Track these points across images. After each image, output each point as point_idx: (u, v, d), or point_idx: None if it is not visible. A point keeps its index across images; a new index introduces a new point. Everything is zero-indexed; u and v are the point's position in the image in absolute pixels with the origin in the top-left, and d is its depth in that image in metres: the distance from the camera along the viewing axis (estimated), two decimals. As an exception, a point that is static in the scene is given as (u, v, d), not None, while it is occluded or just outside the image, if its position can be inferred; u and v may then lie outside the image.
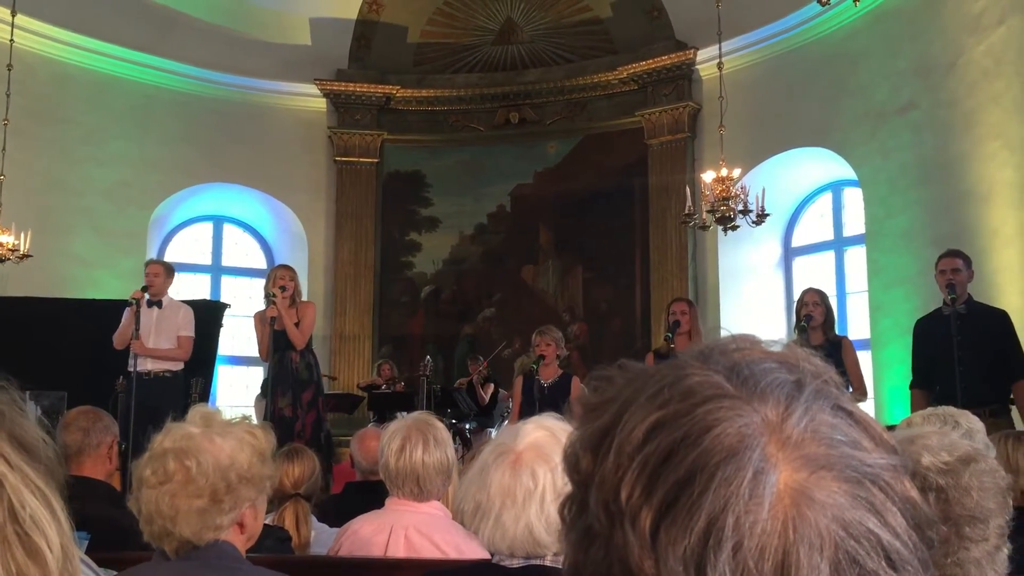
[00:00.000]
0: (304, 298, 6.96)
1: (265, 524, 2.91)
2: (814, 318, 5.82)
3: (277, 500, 3.20)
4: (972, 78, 7.63)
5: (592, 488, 0.57)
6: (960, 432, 2.25)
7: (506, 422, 8.36)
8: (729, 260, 9.95)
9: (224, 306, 8.76)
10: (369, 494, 3.26)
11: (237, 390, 10.66)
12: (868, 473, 0.54)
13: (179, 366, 6.72)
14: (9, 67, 8.29)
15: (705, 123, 10.09)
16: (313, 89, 11.04)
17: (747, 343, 0.61)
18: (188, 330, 6.71)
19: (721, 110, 8.40)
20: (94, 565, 2.22)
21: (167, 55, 10.27)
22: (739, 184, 7.95)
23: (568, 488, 0.61)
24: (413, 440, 2.61)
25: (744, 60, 9.72)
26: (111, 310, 6.97)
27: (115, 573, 2.12)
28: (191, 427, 1.83)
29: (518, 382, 6.66)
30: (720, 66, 8.55)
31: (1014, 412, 5.52)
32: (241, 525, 1.85)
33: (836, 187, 9.82)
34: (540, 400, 5.96)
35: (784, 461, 0.53)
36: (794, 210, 10.19)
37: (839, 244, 9.78)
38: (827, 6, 7.57)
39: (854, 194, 9.41)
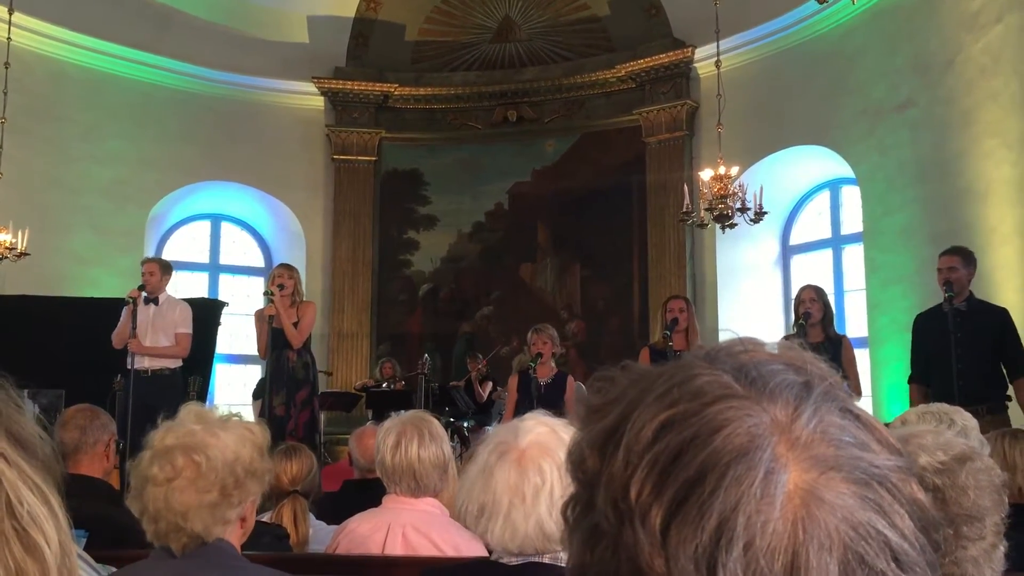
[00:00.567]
0: (305, 298, 6.94)
1: (263, 522, 2.92)
2: (812, 315, 5.82)
3: (275, 498, 3.21)
4: (970, 76, 7.63)
5: (599, 487, 0.57)
6: (955, 430, 2.26)
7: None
8: (727, 258, 9.96)
9: (222, 304, 8.76)
10: (367, 492, 3.26)
11: (235, 388, 10.66)
12: (876, 475, 0.55)
13: (177, 363, 6.72)
14: (6, 65, 8.28)
15: (703, 121, 10.09)
16: (311, 87, 11.04)
17: (753, 345, 0.61)
18: (186, 327, 6.70)
19: (719, 108, 8.39)
20: (93, 562, 2.22)
21: (165, 53, 10.27)
22: (737, 182, 7.95)
23: (571, 488, 0.61)
24: (408, 436, 2.62)
25: (742, 58, 9.72)
26: (109, 308, 6.96)
27: (113, 570, 2.12)
28: (191, 424, 1.83)
29: (513, 379, 6.66)
30: (718, 64, 8.55)
31: (1012, 409, 5.53)
32: (243, 519, 1.87)
33: (834, 185, 9.82)
34: (537, 399, 5.96)
35: (794, 461, 0.54)
36: (792, 208, 10.20)
37: (837, 242, 9.78)
38: (825, 4, 7.58)
39: (852, 192, 9.41)
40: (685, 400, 0.56)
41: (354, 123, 11.19)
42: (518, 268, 11.11)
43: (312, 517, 3.31)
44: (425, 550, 2.60)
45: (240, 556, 1.87)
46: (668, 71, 10.38)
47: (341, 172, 11.16)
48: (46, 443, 0.79)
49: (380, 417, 7.99)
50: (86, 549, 2.32)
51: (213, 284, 11.09)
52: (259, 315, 6.64)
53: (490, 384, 9.50)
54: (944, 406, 2.51)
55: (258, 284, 10.92)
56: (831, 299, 6.34)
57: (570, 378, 6.43)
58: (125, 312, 6.55)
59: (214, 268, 11.24)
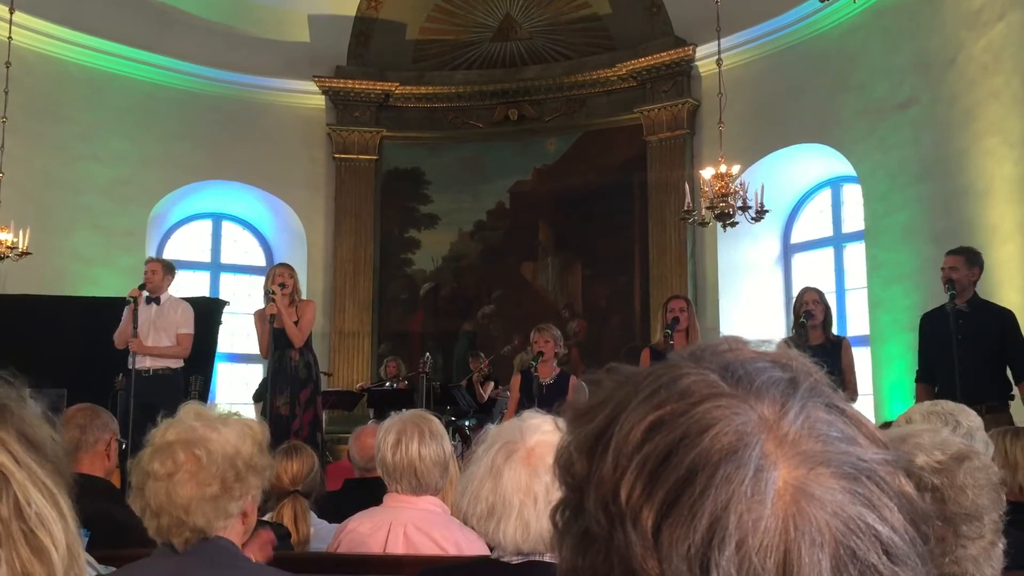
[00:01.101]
0: (304, 296, 6.95)
1: (264, 521, 2.92)
2: (814, 316, 5.83)
3: (276, 497, 3.21)
4: (971, 74, 7.63)
5: (589, 490, 0.57)
6: (961, 432, 2.25)
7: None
8: (728, 257, 9.95)
9: (223, 303, 8.76)
10: (368, 491, 3.26)
11: (236, 387, 10.66)
12: (864, 469, 0.55)
13: (179, 363, 6.72)
14: (7, 64, 8.29)
15: (704, 120, 10.09)
16: (312, 86, 11.04)
17: (738, 344, 0.61)
18: (187, 328, 6.70)
19: (720, 106, 8.39)
20: (94, 562, 2.22)
21: (166, 52, 10.27)
22: (738, 180, 7.94)
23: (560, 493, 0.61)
24: (408, 434, 2.62)
25: (743, 56, 9.72)
26: (110, 308, 6.97)
27: (114, 569, 2.12)
28: (191, 421, 1.84)
29: (516, 379, 6.66)
30: (719, 62, 8.55)
31: (1013, 408, 5.53)
32: (245, 515, 1.87)
33: (835, 183, 9.82)
34: (539, 398, 5.96)
35: (782, 458, 0.54)
36: (793, 206, 10.19)
37: (838, 240, 9.77)
38: (826, 2, 7.58)
39: (853, 190, 9.41)
40: (673, 400, 0.56)
41: (355, 122, 11.19)
42: (519, 267, 11.11)
43: (313, 516, 3.31)
44: (426, 549, 2.60)
45: (242, 555, 1.88)
46: (669, 69, 10.37)
47: (342, 171, 11.16)
48: (57, 444, 0.79)
49: (381, 416, 8.01)
50: (88, 548, 2.33)
51: (214, 283, 11.09)
52: (259, 315, 6.63)
53: (491, 384, 9.49)
54: (950, 405, 2.50)
55: (259, 283, 10.89)
56: (832, 299, 6.36)
57: (573, 378, 6.41)
58: (127, 312, 6.56)
59: (215, 267, 11.24)
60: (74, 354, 7.04)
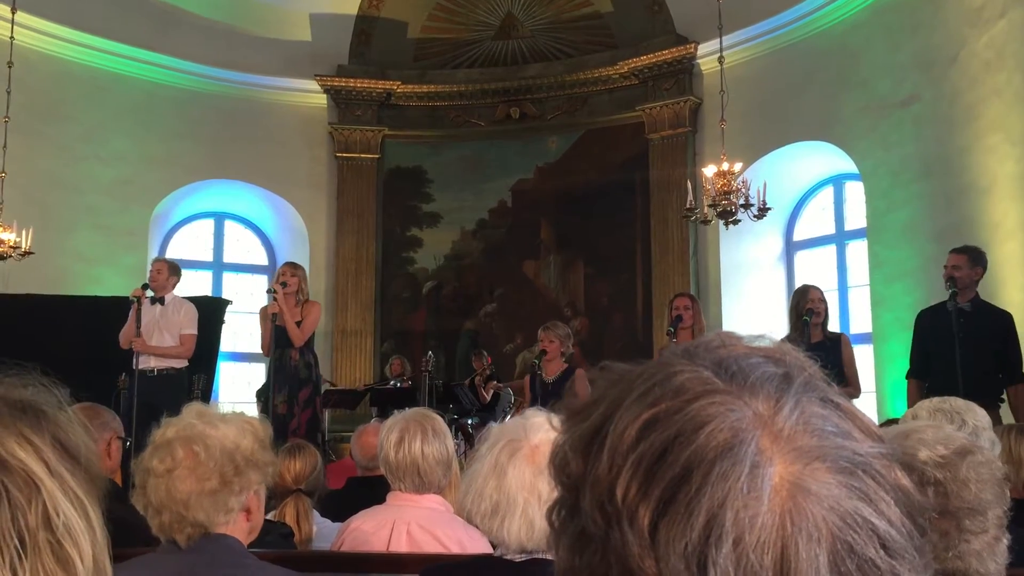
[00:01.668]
0: (310, 297, 6.94)
1: (267, 520, 2.92)
2: (818, 314, 5.83)
3: (279, 495, 3.21)
4: (974, 71, 7.61)
5: (585, 490, 0.57)
6: (967, 430, 2.25)
7: (508, 417, 8.36)
8: (731, 254, 9.95)
9: (226, 303, 8.76)
10: (370, 489, 3.26)
11: (239, 386, 10.67)
12: (860, 463, 0.54)
13: (183, 363, 6.73)
14: (9, 64, 8.29)
15: (706, 117, 10.08)
16: (314, 85, 11.04)
17: (731, 340, 0.61)
18: (191, 328, 6.71)
19: (722, 104, 8.38)
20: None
21: (168, 52, 10.27)
22: (740, 178, 7.94)
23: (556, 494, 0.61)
24: (411, 432, 2.62)
25: (745, 54, 9.70)
26: (113, 307, 6.97)
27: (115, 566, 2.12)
28: (191, 419, 1.85)
29: (526, 380, 6.69)
30: (721, 60, 8.54)
31: (1003, 411, 5.53)
32: (248, 512, 1.88)
33: (837, 181, 9.81)
34: (542, 396, 5.96)
35: (778, 454, 0.54)
36: (796, 204, 10.19)
37: (841, 238, 9.76)
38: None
39: (856, 188, 9.40)
40: (667, 398, 0.56)
41: (357, 121, 11.19)
42: (521, 265, 11.11)
43: (316, 515, 3.32)
44: (430, 547, 2.60)
45: (247, 553, 1.88)
46: (671, 67, 10.37)
47: (344, 170, 11.16)
48: (92, 452, 0.78)
49: (384, 415, 8.03)
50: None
51: (217, 282, 11.10)
52: (263, 313, 6.66)
53: (494, 382, 9.49)
54: (959, 402, 2.49)
55: (262, 282, 10.93)
56: (835, 296, 6.36)
57: (578, 371, 6.34)
58: (132, 312, 6.57)
59: (218, 266, 11.25)
60: (77, 354, 7.03)
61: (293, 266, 6.83)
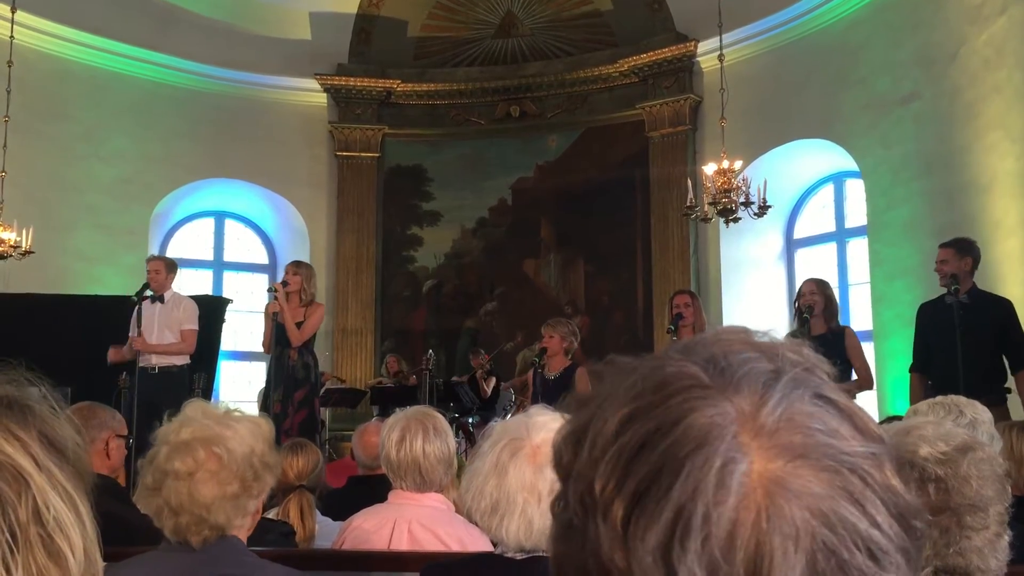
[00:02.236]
0: (317, 298, 6.92)
1: (269, 518, 2.92)
2: (813, 308, 5.82)
3: (281, 492, 3.21)
4: (974, 68, 7.61)
5: (570, 482, 0.57)
6: (965, 422, 2.25)
7: (509, 415, 8.36)
8: (731, 252, 9.95)
9: (226, 301, 8.77)
10: (372, 488, 3.26)
11: (240, 385, 10.68)
12: (847, 462, 0.53)
13: (184, 360, 6.73)
14: (9, 64, 8.30)
15: (706, 115, 10.08)
16: (314, 84, 11.04)
17: (732, 334, 0.60)
18: (191, 323, 6.71)
19: (722, 102, 8.38)
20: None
21: (167, 51, 10.27)
22: (741, 176, 7.94)
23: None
24: (413, 431, 2.62)
25: (745, 52, 9.70)
26: (113, 306, 6.98)
27: (116, 564, 2.12)
28: (202, 418, 1.84)
29: (529, 375, 6.68)
30: (721, 58, 8.54)
31: (1010, 402, 5.52)
32: (255, 512, 1.90)
33: (838, 178, 9.81)
34: (544, 393, 5.95)
35: (757, 450, 0.52)
36: (796, 202, 10.19)
37: (841, 236, 9.77)
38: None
39: (856, 185, 9.40)
40: (649, 392, 0.56)
41: (357, 119, 11.19)
42: (522, 264, 11.11)
43: (318, 513, 3.32)
44: (431, 545, 2.60)
45: (248, 551, 1.88)
46: (671, 65, 10.36)
47: (344, 168, 11.16)
48: (80, 447, 0.79)
49: (385, 413, 8.04)
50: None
51: (217, 281, 11.10)
52: (266, 310, 6.68)
53: (494, 379, 9.50)
54: (961, 399, 2.49)
55: (262, 281, 10.94)
56: (835, 293, 6.34)
57: (580, 369, 6.32)
58: (132, 320, 6.57)
59: (218, 265, 11.25)
60: (78, 353, 7.04)
61: (296, 265, 6.82)
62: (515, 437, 1.77)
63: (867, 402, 7.61)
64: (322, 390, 7.92)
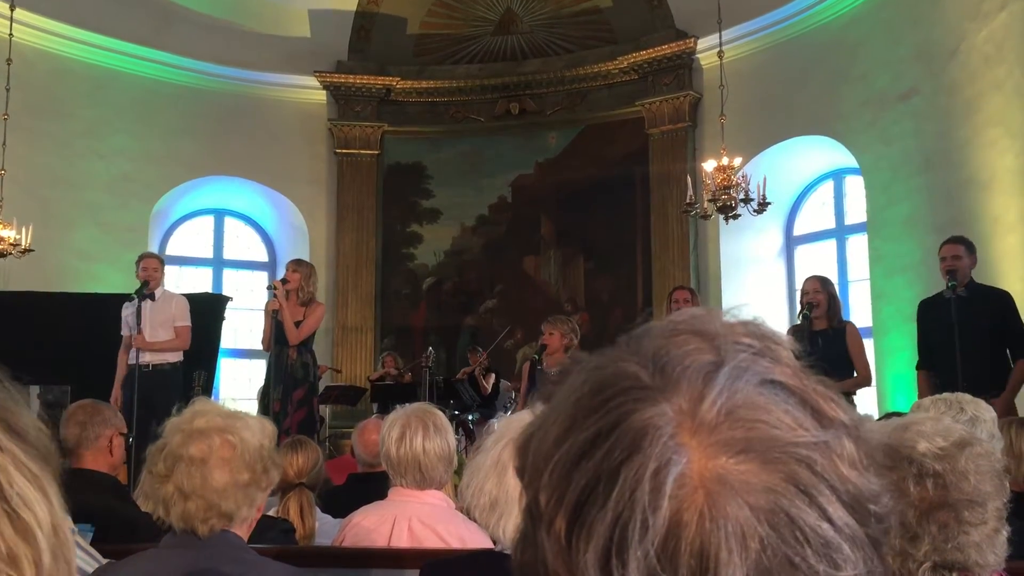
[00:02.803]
0: (317, 296, 6.91)
1: (269, 516, 2.92)
2: (816, 306, 5.82)
3: (281, 490, 3.21)
4: (973, 65, 7.61)
5: (523, 490, 0.56)
6: (964, 419, 2.25)
7: (509, 412, 8.36)
8: (731, 249, 9.95)
9: (226, 299, 8.76)
10: (372, 485, 3.27)
11: (239, 383, 10.68)
12: (793, 453, 0.51)
13: (178, 357, 6.71)
14: (9, 61, 8.30)
15: (706, 112, 10.07)
16: (313, 81, 11.04)
17: (682, 322, 0.58)
18: (185, 320, 6.70)
19: (722, 99, 8.38)
20: (99, 556, 2.23)
21: (167, 49, 10.27)
22: (740, 173, 7.94)
23: None
24: (413, 428, 2.62)
25: (745, 49, 9.69)
26: (113, 304, 6.97)
27: (117, 562, 2.12)
28: (212, 411, 1.87)
29: (525, 368, 6.66)
30: (721, 55, 8.54)
31: (1019, 398, 5.52)
32: (258, 508, 1.92)
33: (838, 175, 9.80)
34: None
35: (697, 448, 0.50)
36: (796, 199, 10.18)
37: (841, 232, 9.77)
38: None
39: (856, 182, 9.40)
40: (587, 397, 0.54)
41: (356, 117, 11.19)
42: (521, 261, 11.11)
43: (318, 510, 3.32)
44: (431, 543, 2.60)
45: (247, 548, 1.89)
46: (670, 62, 10.36)
47: (344, 166, 11.16)
48: (43, 433, 0.79)
49: (385, 411, 8.05)
50: (93, 543, 2.33)
51: (217, 279, 11.11)
52: (266, 308, 6.68)
53: (493, 376, 9.50)
54: (965, 397, 2.49)
55: (262, 278, 10.94)
56: (836, 288, 6.34)
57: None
58: (132, 315, 6.57)
59: (218, 263, 11.25)
60: (77, 351, 7.05)
61: (296, 263, 6.81)
62: (517, 436, 1.77)
63: (867, 398, 7.60)
64: (321, 387, 7.92)
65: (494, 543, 1.85)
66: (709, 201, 7.89)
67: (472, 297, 11.16)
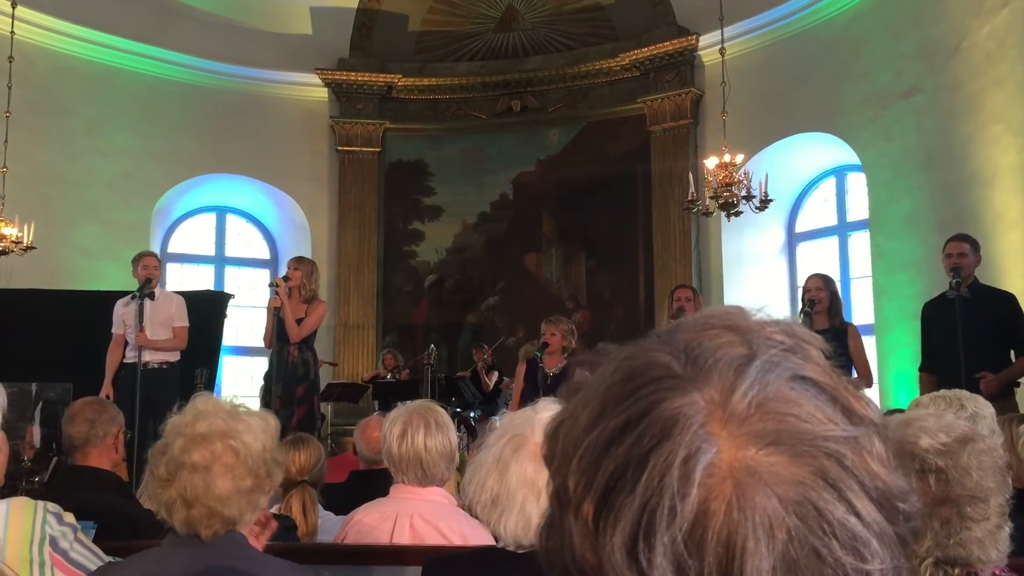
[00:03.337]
0: (322, 295, 6.91)
1: (271, 513, 2.92)
2: (817, 303, 5.81)
3: (283, 488, 3.21)
4: (976, 61, 7.60)
5: (550, 476, 0.57)
6: (966, 415, 2.25)
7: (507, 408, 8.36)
8: (733, 246, 9.95)
9: (228, 296, 8.77)
10: (374, 482, 3.27)
11: (241, 380, 10.69)
12: (823, 447, 0.51)
13: (176, 356, 6.71)
14: (10, 59, 8.30)
15: (708, 109, 10.07)
16: (315, 79, 11.04)
17: (715, 316, 0.58)
18: (183, 320, 6.70)
19: (724, 96, 8.37)
20: (101, 553, 2.23)
21: (168, 46, 10.27)
22: (742, 170, 7.94)
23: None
24: (414, 425, 2.62)
25: (746, 46, 9.69)
26: (114, 302, 6.97)
27: (120, 560, 2.12)
28: (214, 412, 1.85)
29: (521, 367, 6.65)
30: (722, 52, 8.53)
31: (1019, 395, 5.51)
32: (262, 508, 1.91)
33: (839, 172, 9.80)
34: (544, 389, 5.96)
35: (727, 439, 0.51)
36: (797, 196, 10.18)
37: (843, 229, 9.76)
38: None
39: (858, 179, 9.39)
40: (618, 385, 0.55)
41: (358, 114, 11.19)
42: (523, 258, 11.11)
43: (320, 507, 3.32)
44: (433, 539, 2.60)
45: (250, 545, 1.89)
46: (672, 59, 10.35)
47: (346, 163, 11.16)
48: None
49: (386, 408, 8.05)
50: (96, 540, 2.33)
51: (219, 276, 11.12)
52: (269, 305, 6.69)
53: (496, 374, 9.51)
54: (963, 393, 2.49)
55: (264, 276, 10.94)
56: (838, 287, 6.33)
57: (578, 369, 6.37)
58: (127, 311, 6.57)
59: (220, 260, 11.26)
60: (79, 348, 7.05)
61: (297, 261, 6.81)
62: (519, 433, 1.77)
63: (870, 396, 7.60)
64: (322, 384, 7.92)
65: (496, 540, 1.85)
66: (711, 198, 7.89)
67: (474, 294, 11.16)
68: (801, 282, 6.40)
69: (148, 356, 6.52)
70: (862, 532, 0.50)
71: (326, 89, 11.16)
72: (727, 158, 7.85)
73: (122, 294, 6.97)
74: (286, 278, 6.57)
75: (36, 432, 5.80)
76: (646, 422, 0.52)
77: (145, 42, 10.14)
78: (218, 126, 10.58)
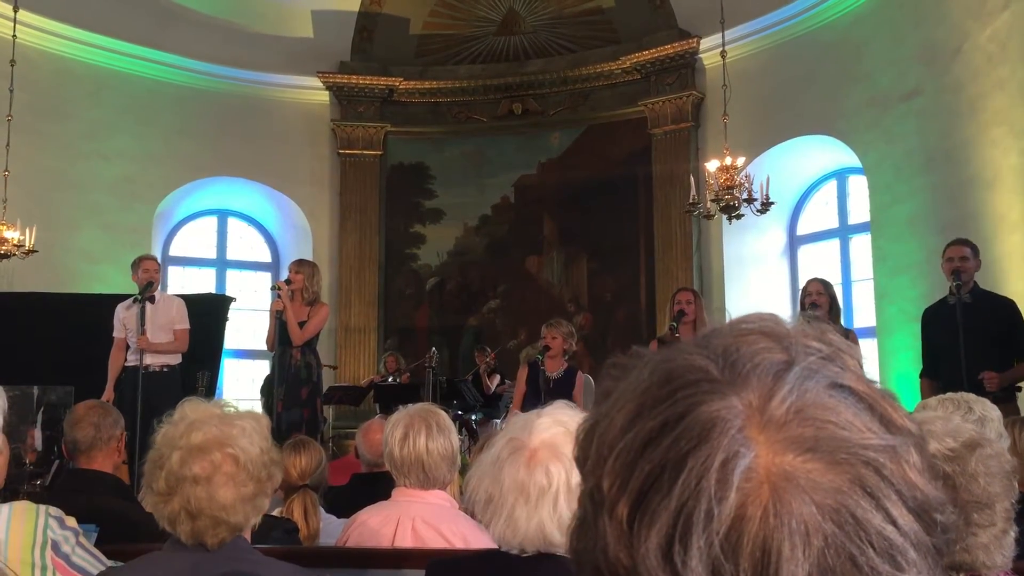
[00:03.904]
0: (323, 298, 6.90)
1: (272, 516, 2.93)
2: (818, 307, 5.81)
3: (285, 492, 3.21)
4: (977, 64, 7.60)
5: (583, 478, 0.57)
6: (973, 418, 2.24)
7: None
8: (734, 249, 9.94)
9: (229, 300, 8.76)
10: (376, 485, 3.27)
11: (243, 383, 10.69)
12: (861, 455, 0.51)
13: (177, 359, 6.71)
14: (12, 63, 8.31)
15: (709, 112, 10.07)
16: (316, 82, 11.04)
17: (751, 323, 0.59)
18: (184, 323, 6.70)
19: (725, 99, 8.38)
20: (103, 557, 2.23)
21: (169, 49, 10.28)
22: (743, 173, 7.94)
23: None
24: (416, 428, 2.62)
25: (748, 48, 9.69)
26: (116, 305, 6.97)
27: (123, 564, 2.12)
28: (206, 419, 1.83)
29: (522, 371, 6.64)
30: (724, 55, 8.54)
31: (1021, 399, 5.51)
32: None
33: (841, 175, 9.80)
34: (545, 392, 5.96)
35: (765, 444, 0.51)
36: (799, 198, 10.18)
37: (844, 232, 9.76)
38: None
39: (859, 182, 9.39)
40: (655, 387, 0.55)
41: (359, 117, 11.19)
42: (524, 261, 11.11)
43: (322, 511, 3.32)
44: (434, 542, 2.60)
45: (252, 548, 1.88)
46: (673, 62, 10.36)
47: (347, 166, 11.17)
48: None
49: (388, 411, 8.04)
50: (97, 543, 2.33)
51: (220, 280, 11.12)
52: (272, 308, 6.68)
53: (497, 377, 9.50)
54: (970, 396, 2.49)
55: (265, 279, 10.95)
56: (839, 290, 6.33)
57: (580, 373, 6.40)
58: (129, 313, 6.57)
59: (221, 264, 11.27)
60: (81, 352, 7.04)
61: (299, 263, 6.80)
62: (516, 436, 1.77)
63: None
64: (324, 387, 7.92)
65: (498, 544, 1.84)
66: (712, 201, 7.89)
67: (475, 297, 11.16)
68: (802, 285, 6.40)
69: (149, 359, 6.52)
70: (899, 541, 0.50)
71: (327, 92, 11.17)
72: (728, 161, 7.85)
73: (123, 297, 6.96)
74: (288, 281, 6.56)
75: (38, 435, 5.80)
76: (683, 424, 0.52)
77: (147, 45, 10.15)
78: (219, 129, 10.59)
